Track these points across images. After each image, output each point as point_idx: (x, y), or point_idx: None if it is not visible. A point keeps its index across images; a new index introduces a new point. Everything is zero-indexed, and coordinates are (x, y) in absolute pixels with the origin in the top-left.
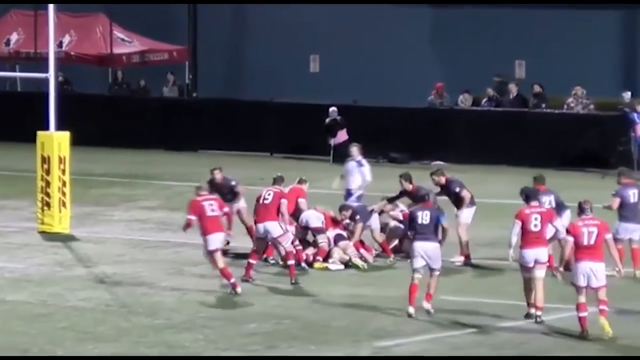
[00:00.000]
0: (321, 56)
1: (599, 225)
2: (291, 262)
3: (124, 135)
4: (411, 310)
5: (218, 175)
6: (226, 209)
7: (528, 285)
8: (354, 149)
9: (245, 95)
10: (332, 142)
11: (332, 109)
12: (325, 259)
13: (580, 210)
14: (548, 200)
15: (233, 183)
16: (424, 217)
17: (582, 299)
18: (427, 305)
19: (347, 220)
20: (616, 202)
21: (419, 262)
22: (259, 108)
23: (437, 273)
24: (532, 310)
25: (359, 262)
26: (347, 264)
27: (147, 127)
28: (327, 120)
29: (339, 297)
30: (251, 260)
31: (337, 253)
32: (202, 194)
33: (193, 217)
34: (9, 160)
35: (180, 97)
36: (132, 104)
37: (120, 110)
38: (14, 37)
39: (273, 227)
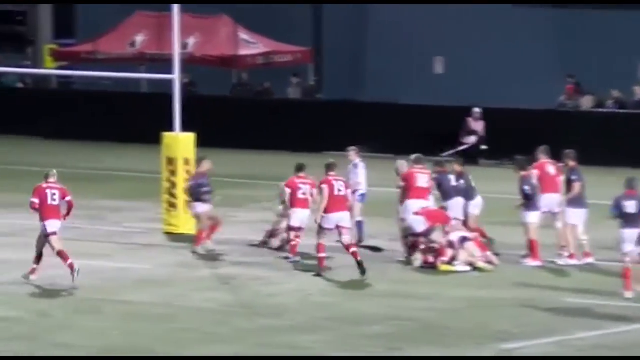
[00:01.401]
0: (446, 58)
1: None
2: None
3: (248, 136)
4: (627, 294)
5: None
6: (69, 198)
7: None
8: (351, 153)
9: (368, 97)
10: (471, 142)
11: (477, 110)
12: (451, 261)
13: None
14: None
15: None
16: (631, 206)
17: None
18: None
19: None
20: None
21: (626, 247)
22: (383, 109)
23: None
24: None
25: (485, 266)
26: (473, 266)
27: (271, 128)
28: (475, 122)
29: (460, 299)
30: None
31: (463, 255)
32: (49, 182)
33: (36, 201)
34: (134, 162)
35: (304, 99)
36: (256, 105)
37: (244, 111)
38: (139, 38)
39: (347, 218)
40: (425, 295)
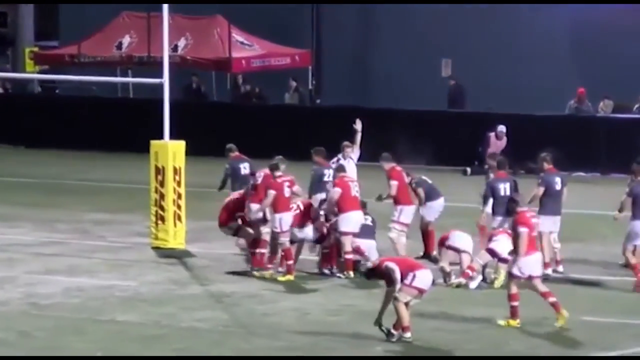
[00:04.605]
0: (454, 60)
1: None
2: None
3: (244, 144)
4: None
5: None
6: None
7: None
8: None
9: (371, 102)
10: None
11: (502, 128)
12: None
13: None
14: None
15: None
16: None
17: None
18: None
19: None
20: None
21: None
22: (386, 116)
23: None
24: None
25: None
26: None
27: (265, 136)
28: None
29: (469, 319)
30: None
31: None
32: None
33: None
34: (121, 172)
35: (302, 104)
36: (250, 111)
37: (237, 118)
38: (126, 40)
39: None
40: (434, 314)
